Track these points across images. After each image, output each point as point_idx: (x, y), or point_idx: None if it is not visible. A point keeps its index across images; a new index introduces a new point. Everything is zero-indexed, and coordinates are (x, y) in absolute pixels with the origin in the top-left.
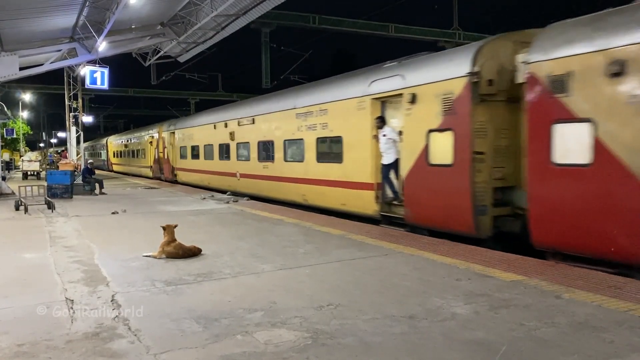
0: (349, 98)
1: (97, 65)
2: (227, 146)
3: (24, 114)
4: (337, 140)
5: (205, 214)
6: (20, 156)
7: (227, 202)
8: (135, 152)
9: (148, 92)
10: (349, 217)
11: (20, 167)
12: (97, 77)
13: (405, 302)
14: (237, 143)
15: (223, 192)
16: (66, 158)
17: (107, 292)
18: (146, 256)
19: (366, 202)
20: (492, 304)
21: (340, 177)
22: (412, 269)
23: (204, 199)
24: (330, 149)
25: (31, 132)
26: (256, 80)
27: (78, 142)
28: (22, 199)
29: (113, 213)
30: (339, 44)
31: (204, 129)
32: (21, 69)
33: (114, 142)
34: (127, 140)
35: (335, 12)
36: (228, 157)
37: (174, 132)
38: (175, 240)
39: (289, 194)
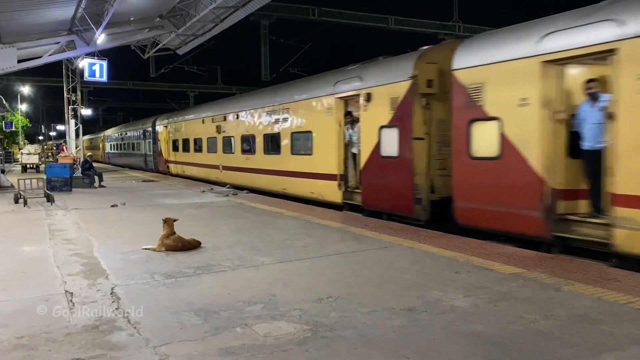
0: None
1: (96, 58)
2: None
3: (23, 107)
4: None
5: (204, 207)
6: (20, 149)
7: (227, 195)
8: (269, 140)
9: (147, 84)
10: None
11: (20, 160)
12: (95, 70)
13: (404, 294)
14: None
15: None
16: (64, 151)
17: (107, 285)
18: (146, 249)
19: None
20: (491, 297)
21: None
22: (412, 262)
23: (204, 192)
24: None
25: (30, 125)
26: (256, 72)
27: (77, 135)
28: (21, 192)
29: (112, 206)
30: (339, 36)
31: None
32: (19, 61)
33: (180, 125)
34: (223, 118)
35: (336, 4)
36: None
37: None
38: (174, 233)
39: None
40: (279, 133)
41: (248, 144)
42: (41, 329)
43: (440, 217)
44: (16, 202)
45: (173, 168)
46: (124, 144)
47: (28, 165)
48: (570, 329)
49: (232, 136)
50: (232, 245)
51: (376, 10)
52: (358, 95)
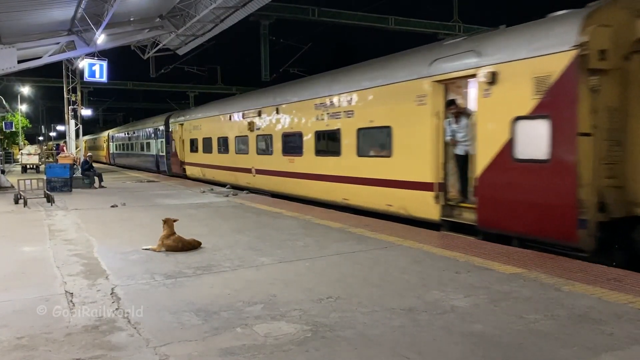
0: None
1: (96, 58)
2: None
3: (23, 107)
4: None
5: (204, 207)
6: (20, 149)
7: (227, 196)
8: (324, 138)
9: (147, 85)
10: None
11: (20, 160)
12: (95, 70)
13: (404, 295)
14: None
15: None
16: (64, 151)
17: (107, 285)
18: (146, 249)
19: None
20: (491, 297)
21: None
22: (412, 262)
23: (204, 192)
24: None
25: (30, 126)
26: (255, 73)
27: (77, 136)
28: (21, 193)
29: (112, 206)
30: (340, 36)
31: None
32: (19, 61)
33: (200, 123)
34: (258, 113)
35: (337, 4)
36: None
37: None
38: (174, 233)
39: None
40: (338, 130)
41: (293, 143)
42: (41, 329)
43: (609, 245)
44: (16, 202)
45: (190, 171)
46: (132, 144)
47: (28, 166)
48: (571, 329)
49: (270, 134)
50: (232, 246)
51: (376, 10)
52: (471, 76)
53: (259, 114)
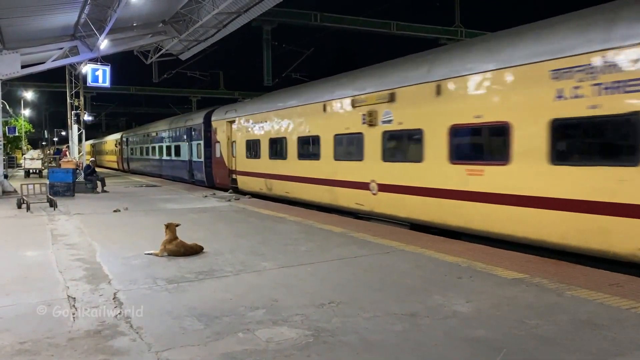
0: None
1: (99, 63)
2: None
3: (26, 112)
4: None
5: (207, 212)
6: (23, 154)
7: (229, 200)
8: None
9: (149, 90)
10: None
11: (23, 165)
12: (98, 75)
13: (406, 299)
14: None
15: None
16: (67, 156)
17: (109, 290)
18: (148, 254)
19: None
20: (493, 302)
21: None
22: (414, 267)
23: (206, 196)
24: None
25: (33, 130)
26: (258, 78)
27: (80, 140)
28: (24, 197)
29: (115, 211)
30: (341, 41)
31: None
32: (23, 67)
33: (264, 118)
34: (389, 96)
35: (338, 9)
36: None
37: None
38: (177, 238)
39: None
40: (636, 113)
41: (480, 142)
42: (44, 334)
43: None
44: (19, 207)
45: (245, 182)
46: (154, 148)
47: (31, 170)
48: (573, 335)
49: (418, 129)
50: (234, 250)
51: (378, 15)
52: None
53: (391, 99)
